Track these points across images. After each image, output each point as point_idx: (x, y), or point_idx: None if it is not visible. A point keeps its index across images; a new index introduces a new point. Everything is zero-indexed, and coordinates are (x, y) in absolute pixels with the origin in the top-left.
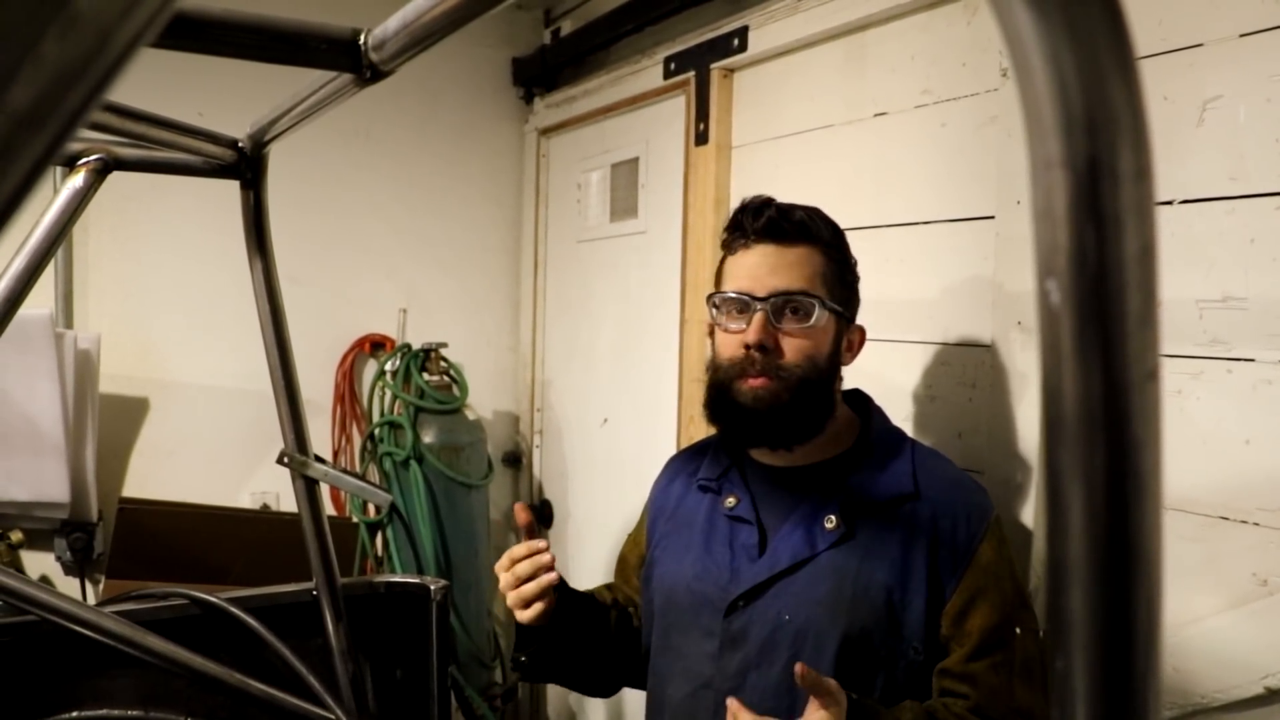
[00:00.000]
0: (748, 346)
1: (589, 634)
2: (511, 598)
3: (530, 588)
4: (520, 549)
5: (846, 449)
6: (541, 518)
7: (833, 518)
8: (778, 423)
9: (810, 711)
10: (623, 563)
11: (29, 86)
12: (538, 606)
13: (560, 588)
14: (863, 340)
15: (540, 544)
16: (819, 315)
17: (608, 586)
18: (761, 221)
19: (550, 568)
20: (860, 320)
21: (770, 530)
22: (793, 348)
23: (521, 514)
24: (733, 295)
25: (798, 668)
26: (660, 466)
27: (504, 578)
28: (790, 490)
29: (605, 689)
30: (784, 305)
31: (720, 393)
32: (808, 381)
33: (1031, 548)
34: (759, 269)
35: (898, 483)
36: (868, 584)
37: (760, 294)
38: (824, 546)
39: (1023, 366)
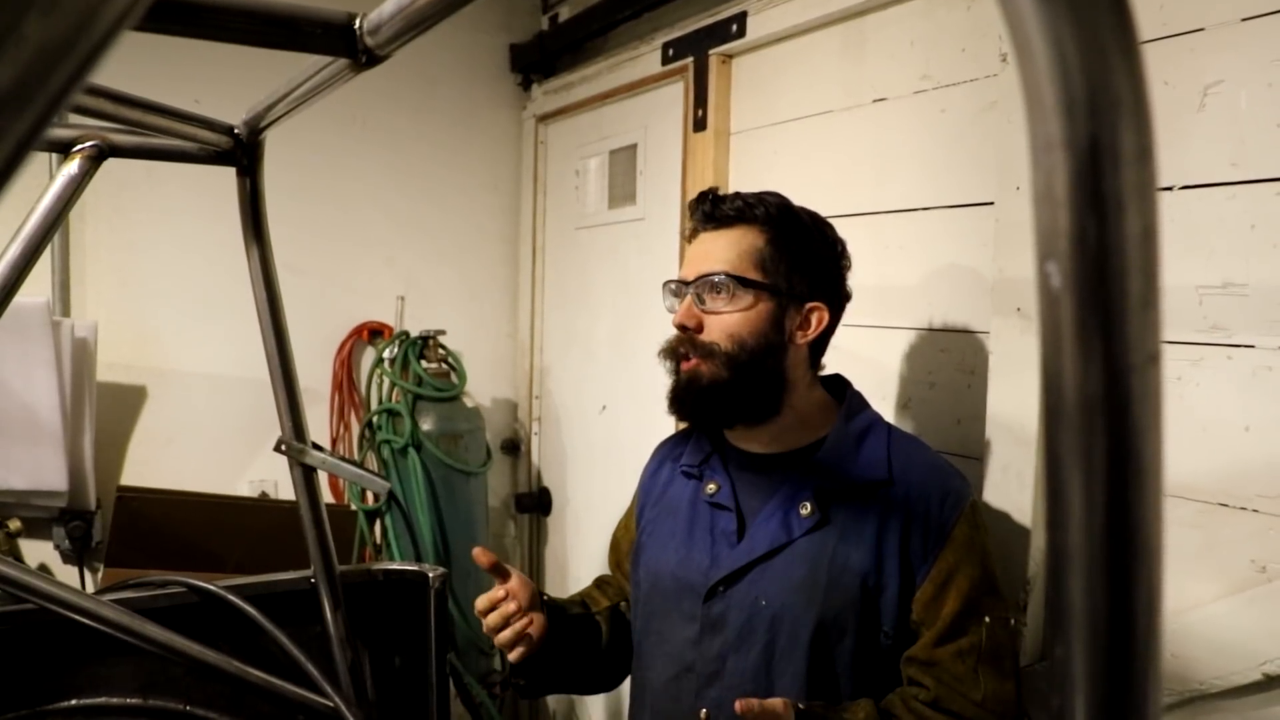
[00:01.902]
0: (675, 327)
1: (582, 648)
2: (497, 642)
3: (506, 635)
4: (482, 601)
5: (824, 435)
6: (540, 505)
7: (808, 504)
8: (713, 400)
9: None
10: (615, 548)
11: (11, 66)
12: (520, 649)
13: (549, 606)
14: (822, 320)
15: (498, 594)
16: (739, 295)
17: (600, 586)
18: (699, 212)
19: (522, 612)
20: (859, 306)
21: (748, 516)
22: (715, 325)
23: (482, 557)
24: (671, 284)
25: (738, 705)
26: None
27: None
28: (768, 476)
29: (605, 687)
30: (706, 287)
31: (671, 376)
32: (738, 360)
33: (1031, 535)
34: (697, 256)
35: (872, 468)
36: (843, 569)
37: (690, 278)
38: (800, 532)
39: (1022, 352)
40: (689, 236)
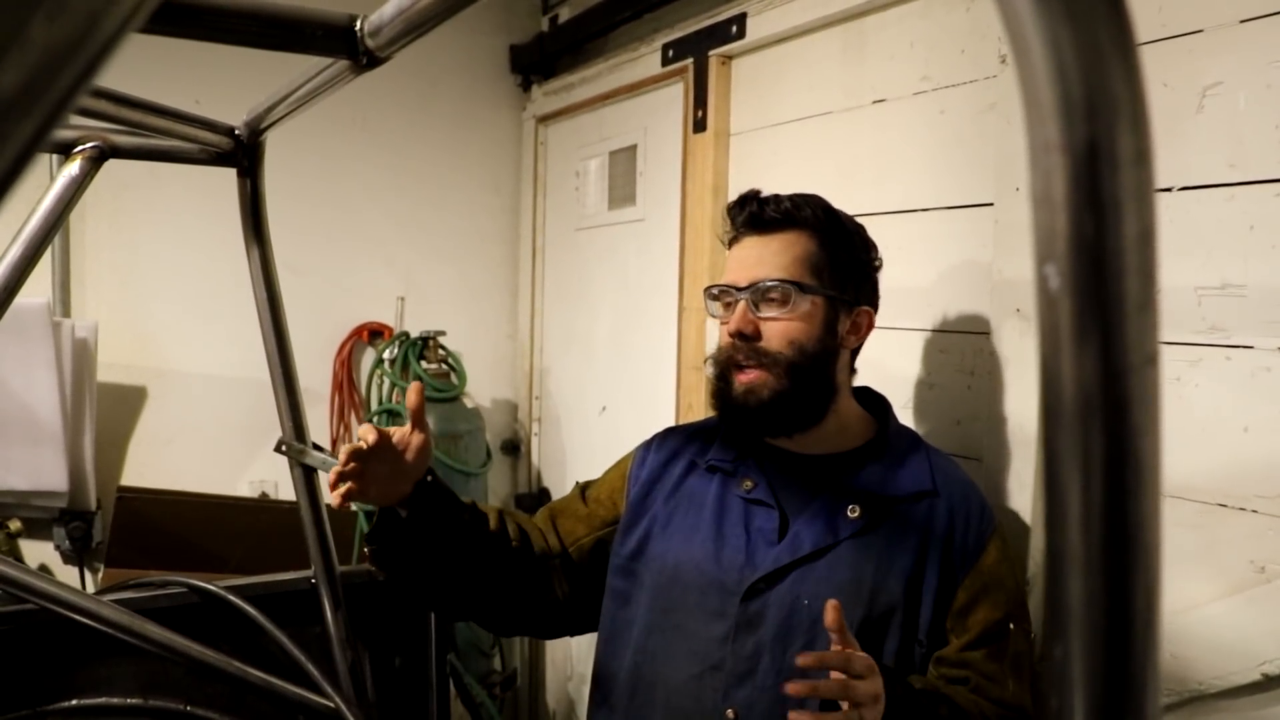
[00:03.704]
0: (731, 335)
1: (453, 539)
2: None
3: (342, 469)
4: (367, 429)
5: (864, 443)
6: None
7: (856, 508)
8: (774, 411)
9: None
10: (567, 513)
11: (17, 69)
12: (345, 487)
13: (435, 486)
14: (870, 324)
15: (386, 433)
16: (798, 301)
17: (500, 514)
18: (744, 215)
19: (378, 461)
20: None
21: (790, 516)
22: (774, 332)
23: (414, 396)
24: (718, 289)
25: (830, 609)
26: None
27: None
28: (809, 478)
29: (488, 618)
30: (762, 293)
31: (718, 385)
32: (797, 365)
33: (1030, 536)
34: (745, 260)
35: (918, 479)
36: (886, 575)
37: (742, 284)
38: (846, 534)
39: (1021, 353)
40: (729, 241)
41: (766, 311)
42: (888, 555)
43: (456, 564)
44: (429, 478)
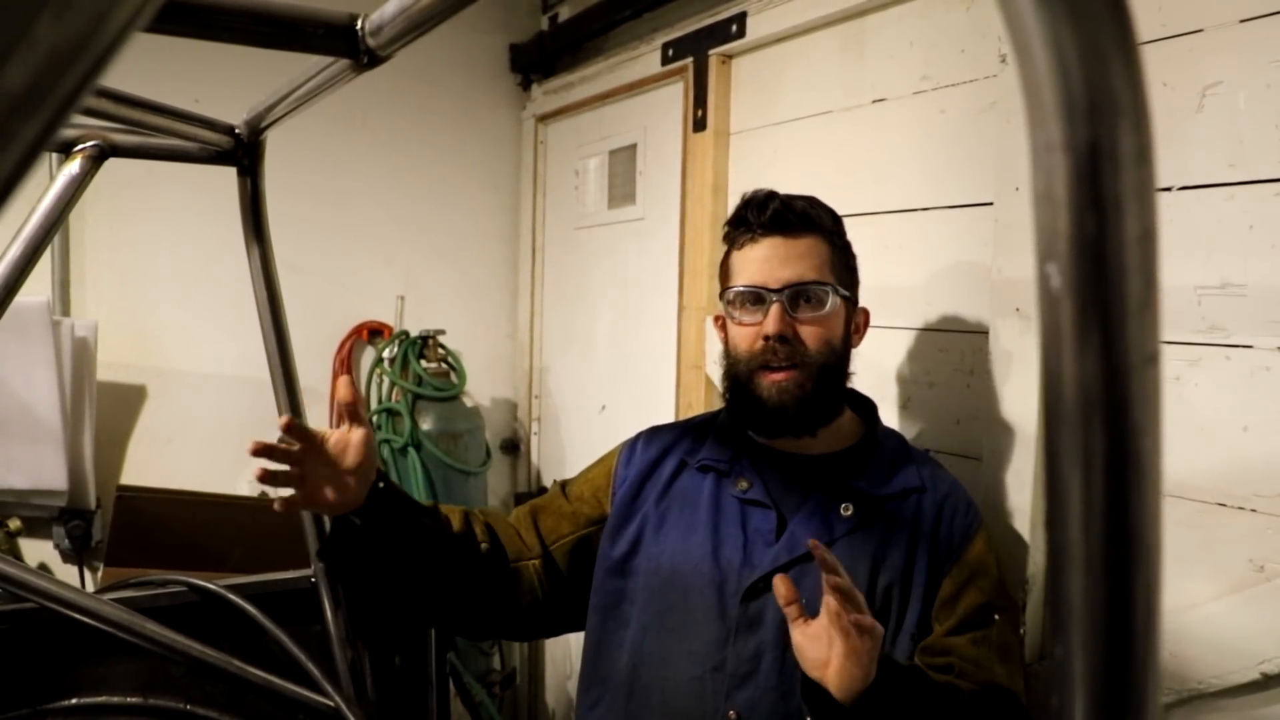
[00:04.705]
0: (767, 338)
1: (413, 546)
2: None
3: (265, 469)
4: (286, 421)
5: (855, 442)
6: None
7: (849, 506)
8: (802, 413)
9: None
10: (549, 510)
11: (23, 68)
12: (283, 498)
13: (389, 491)
14: (868, 321)
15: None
16: (832, 302)
17: (466, 515)
18: (767, 215)
19: (316, 462)
20: (858, 306)
21: (786, 515)
22: (811, 335)
23: (344, 390)
24: (746, 289)
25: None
26: None
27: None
28: (802, 477)
29: (458, 625)
30: (799, 295)
31: (740, 386)
32: (827, 367)
33: (1030, 535)
34: (770, 261)
35: (906, 477)
36: (881, 571)
37: (774, 286)
38: (841, 533)
39: (1021, 353)
40: (740, 241)
41: (801, 313)
42: (881, 552)
43: (418, 573)
44: (381, 484)
